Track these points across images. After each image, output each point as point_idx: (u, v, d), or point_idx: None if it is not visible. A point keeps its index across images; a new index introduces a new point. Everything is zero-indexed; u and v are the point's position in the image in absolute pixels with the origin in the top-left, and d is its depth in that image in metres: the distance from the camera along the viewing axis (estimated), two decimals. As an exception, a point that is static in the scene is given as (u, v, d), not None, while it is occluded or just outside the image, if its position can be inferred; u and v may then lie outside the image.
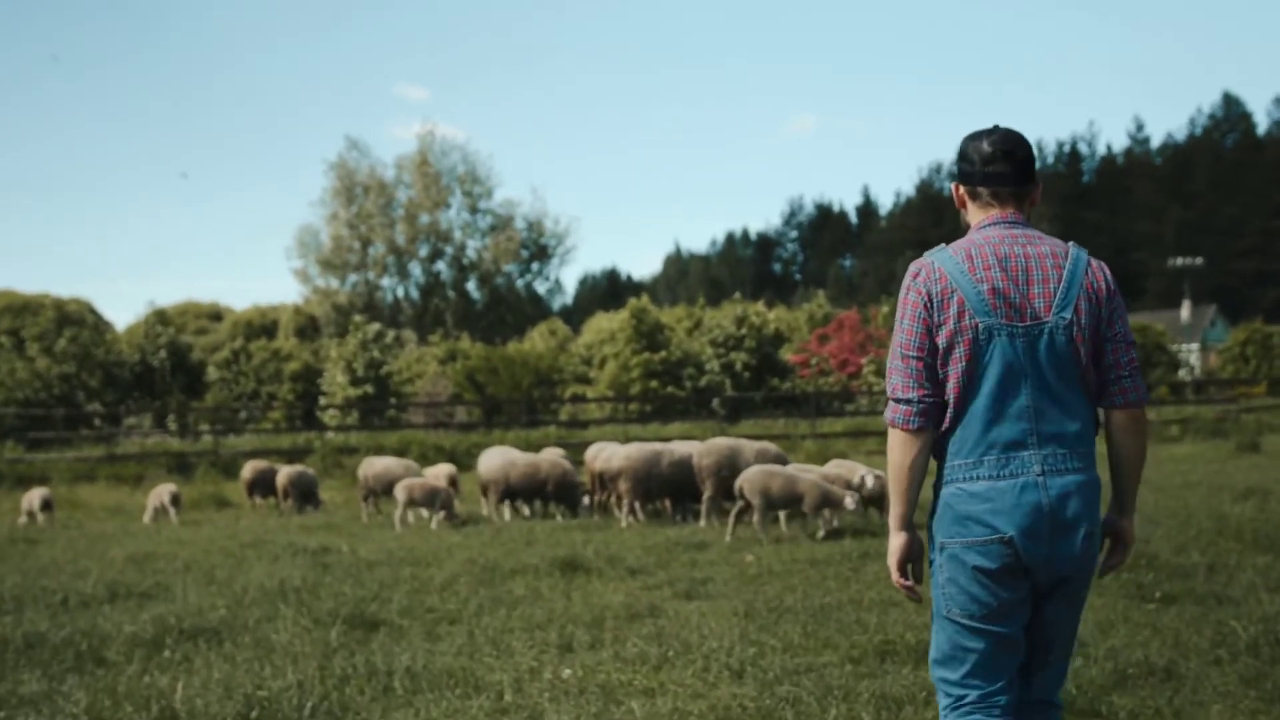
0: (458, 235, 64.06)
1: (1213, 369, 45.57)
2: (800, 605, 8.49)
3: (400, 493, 15.51)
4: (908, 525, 3.49)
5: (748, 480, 12.67)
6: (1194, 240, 79.28)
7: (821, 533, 12.55)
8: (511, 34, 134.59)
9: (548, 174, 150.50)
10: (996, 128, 3.55)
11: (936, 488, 3.50)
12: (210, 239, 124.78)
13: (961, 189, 3.61)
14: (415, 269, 64.08)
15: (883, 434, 29.69)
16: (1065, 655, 3.53)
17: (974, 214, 3.56)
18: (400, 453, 23.83)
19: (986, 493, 3.30)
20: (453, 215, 63.91)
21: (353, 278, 62.14)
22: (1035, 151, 3.64)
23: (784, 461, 14.30)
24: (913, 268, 3.49)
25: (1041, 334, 3.33)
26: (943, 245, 3.51)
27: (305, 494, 19.04)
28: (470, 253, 64.31)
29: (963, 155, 3.56)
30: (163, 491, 18.55)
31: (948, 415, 3.40)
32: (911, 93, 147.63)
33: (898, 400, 3.40)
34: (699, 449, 14.47)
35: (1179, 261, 67.37)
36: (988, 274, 3.34)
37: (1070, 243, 3.50)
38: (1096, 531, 3.37)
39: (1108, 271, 3.47)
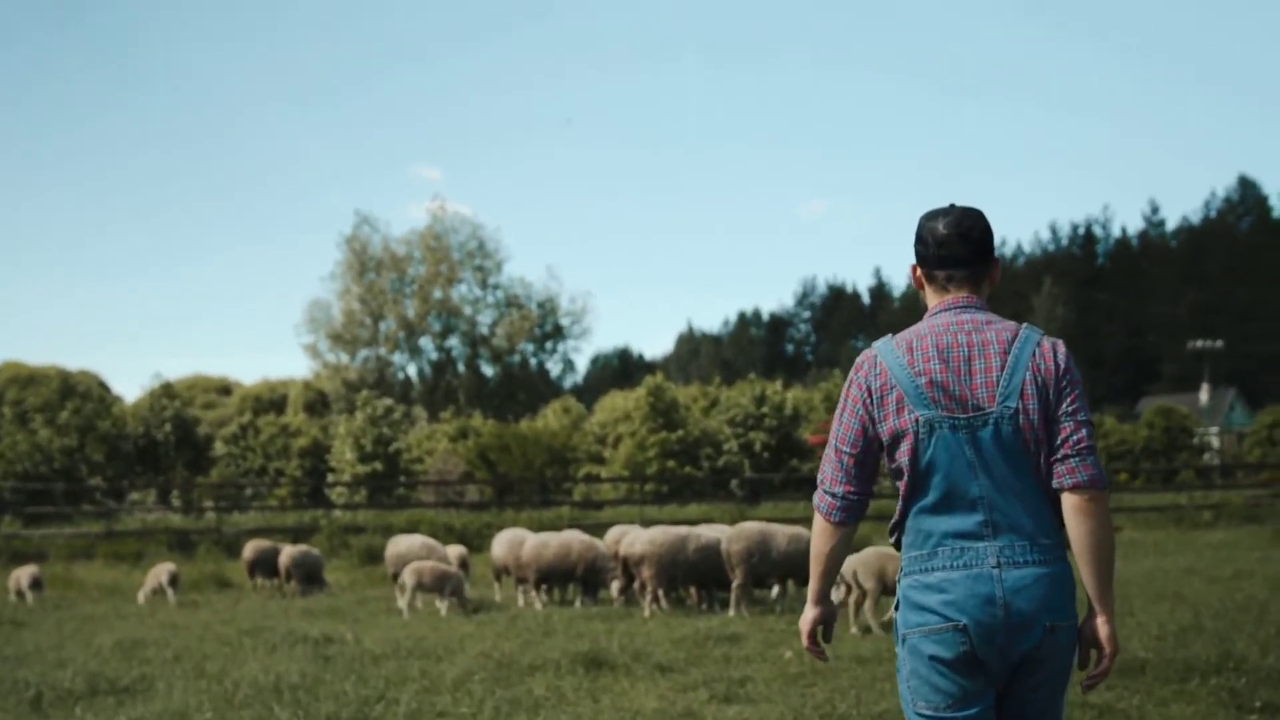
0: (469, 311, 63.56)
1: (1239, 453, 44.53)
2: (855, 713, 7.61)
3: (409, 576, 14.60)
4: (821, 600, 3.59)
5: (862, 563, 11.83)
6: (1210, 323, 78.46)
7: (858, 627, 11.65)
8: (525, 116, 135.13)
9: (560, 253, 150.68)
10: (952, 207, 3.52)
11: (899, 581, 3.48)
12: (221, 313, 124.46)
13: (919, 271, 3.58)
14: (427, 345, 63.53)
15: (905, 519, 29.05)
16: None
17: (930, 297, 3.54)
18: (408, 532, 22.90)
19: (941, 584, 3.28)
20: (464, 291, 63.51)
21: (364, 353, 61.54)
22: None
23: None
24: (857, 361, 3.48)
25: (986, 424, 3.28)
26: (889, 335, 3.48)
27: (309, 575, 18.18)
28: (482, 329, 63.77)
29: (919, 236, 3.53)
30: (161, 571, 17.73)
31: (900, 507, 3.42)
32: (924, 176, 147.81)
33: (826, 492, 3.45)
34: (728, 534, 13.62)
35: (1198, 344, 66.43)
36: (926, 366, 3.32)
37: (1024, 324, 3.43)
38: (1064, 625, 3.27)
39: (1061, 351, 3.37)
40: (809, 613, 3.62)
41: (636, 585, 14.04)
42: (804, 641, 3.63)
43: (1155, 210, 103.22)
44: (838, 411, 3.48)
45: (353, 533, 25.39)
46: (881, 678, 8.93)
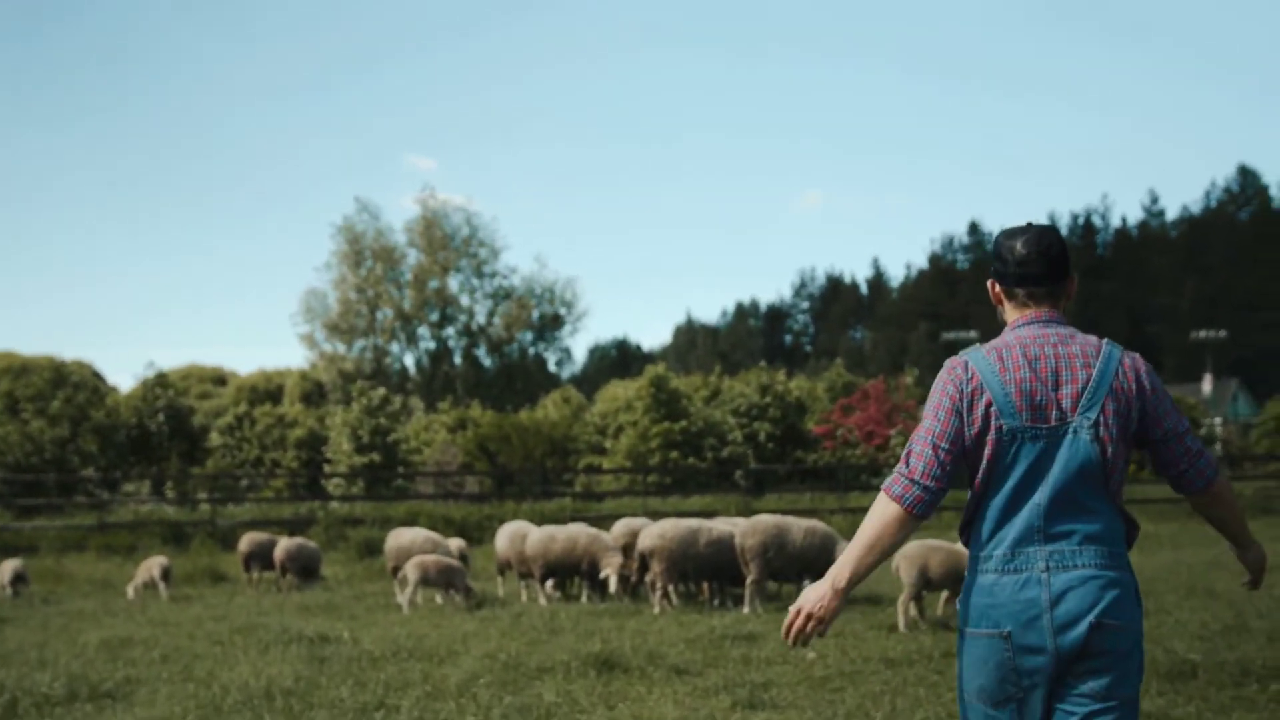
0: (465, 301, 62.91)
1: (1244, 444, 44.05)
2: (885, 718, 7.07)
3: (412, 571, 14.04)
4: (849, 591, 3.47)
5: (905, 557, 11.34)
6: (1210, 314, 78.06)
7: (905, 625, 11.11)
8: (521, 107, 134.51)
9: (557, 244, 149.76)
10: (1030, 226, 3.59)
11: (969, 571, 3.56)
12: (216, 304, 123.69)
13: (997, 287, 3.65)
14: (424, 334, 62.84)
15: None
16: None
17: (1010, 312, 3.61)
18: (407, 524, 22.33)
19: (992, 588, 3.38)
20: (460, 280, 62.80)
21: (360, 343, 60.80)
22: (1062, 236, 3.66)
23: (834, 540, 12.90)
24: (948, 363, 3.55)
25: (1066, 433, 3.37)
26: (978, 345, 3.54)
27: (306, 569, 17.64)
28: (479, 318, 63.11)
29: (997, 254, 3.61)
30: (153, 564, 17.17)
31: (969, 508, 3.51)
32: (922, 167, 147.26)
33: (914, 482, 3.43)
34: (742, 527, 13.09)
35: (1201, 334, 65.99)
36: (1017, 375, 3.40)
37: (1104, 340, 3.52)
38: (1114, 624, 3.31)
39: (1143, 367, 3.47)
40: (830, 601, 3.43)
41: (648, 580, 13.50)
42: (795, 623, 3.45)
43: (1155, 200, 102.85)
44: (932, 410, 3.50)
45: (350, 525, 24.88)
46: (914, 682, 8.39)
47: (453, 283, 62.28)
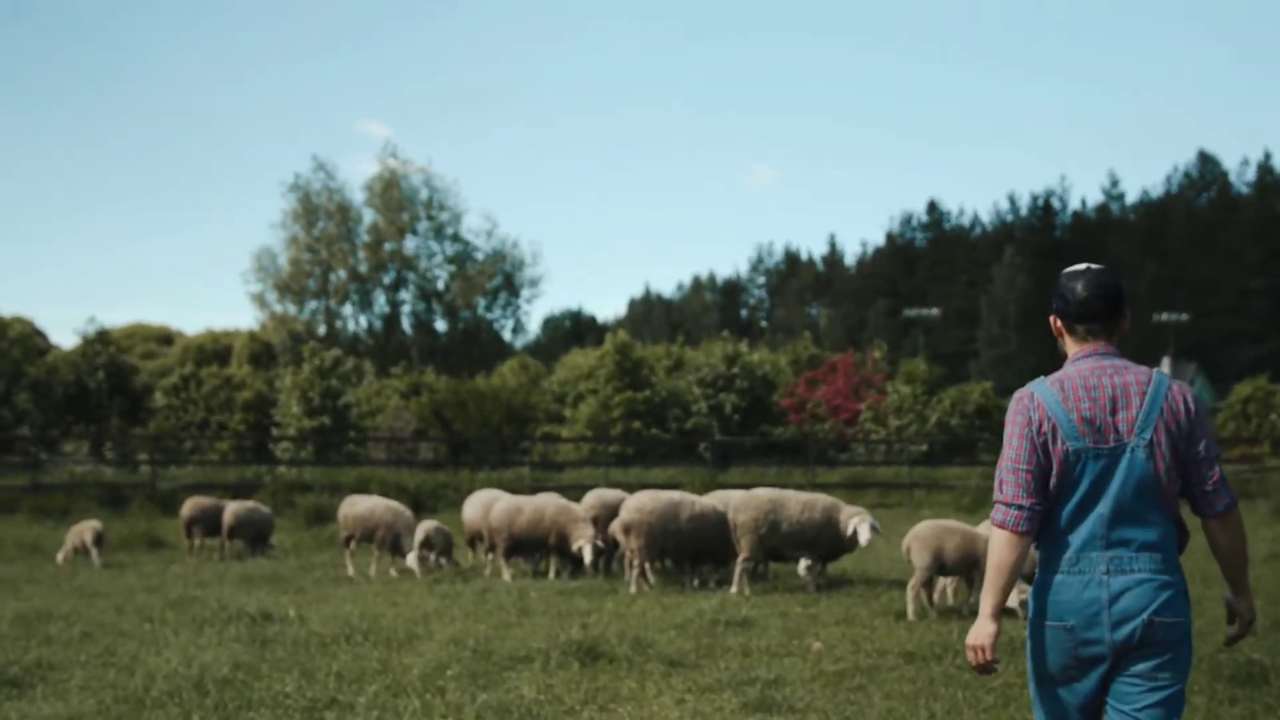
0: (423, 263, 61.33)
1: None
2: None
3: (419, 533, 13.92)
4: (999, 614, 3.83)
5: (918, 538, 10.35)
6: (1169, 297, 77.85)
7: (915, 612, 10.10)
8: (475, 76, 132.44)
9: (511, 216, 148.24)
10: (1089, 269, 3.95)
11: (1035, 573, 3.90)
12: (164, 262, 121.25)
13: (1059, 322, 4.00)
14: (379, 297, 61.27)
15: (884, 486, 27.86)
16: None
17: (1070, 346, 3.97)
18: (358, 491, 21.13)
19: (1059, 587, 3.75)
20: (418, 243, 61.25)
21: (312, 304, 59.17)
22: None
23: (837, 511, 11.84)
24: (1017, 395, 3.94)
25: (1124, 453, 3.73)
26: (1043, 378, 3.92)
27: (258, 535, 16.48)
28: (438, 283, 61.58)
29: (1059, 293, 3.97)
30: (84, 529, 15.97)
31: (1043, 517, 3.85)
32: (880, 144, 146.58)
33: (1010, 505, 3.79)
34: (735, 502, 12.04)
35: (1163, 317, 65.66)
36: (1078, 405, 3.78)
37: (1155, 369, 3.87)
38: (1168, 622, 3.64)
39: (1189, 395, 3.82)
40: (989, 627, 3.81)
41: (622, 557, 12.43)
42: (980, 659, 3.82)
43: (1115, 183, 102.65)
44: (1008, 438, 3.85)
45: (298, 490, 23.70)
46: (942, 681, 7.37)
47: (410, 245, 60.77)
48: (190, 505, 17.26)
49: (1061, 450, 3.75)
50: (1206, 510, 3.80)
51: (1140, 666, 3.67)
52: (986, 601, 3.82)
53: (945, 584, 11.12)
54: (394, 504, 14.86)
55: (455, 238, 61.48)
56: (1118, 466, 3.72)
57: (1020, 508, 3.77)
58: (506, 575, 13.10)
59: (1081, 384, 3.81)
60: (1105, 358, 3.87)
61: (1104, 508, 3.72)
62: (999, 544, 3.81)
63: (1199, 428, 3.77)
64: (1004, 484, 3.83)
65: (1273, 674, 7.15)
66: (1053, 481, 3.77)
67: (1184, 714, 6.17)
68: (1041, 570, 3.83)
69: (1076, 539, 3.74)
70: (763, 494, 12.02)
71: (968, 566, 10.23)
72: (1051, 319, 4.03)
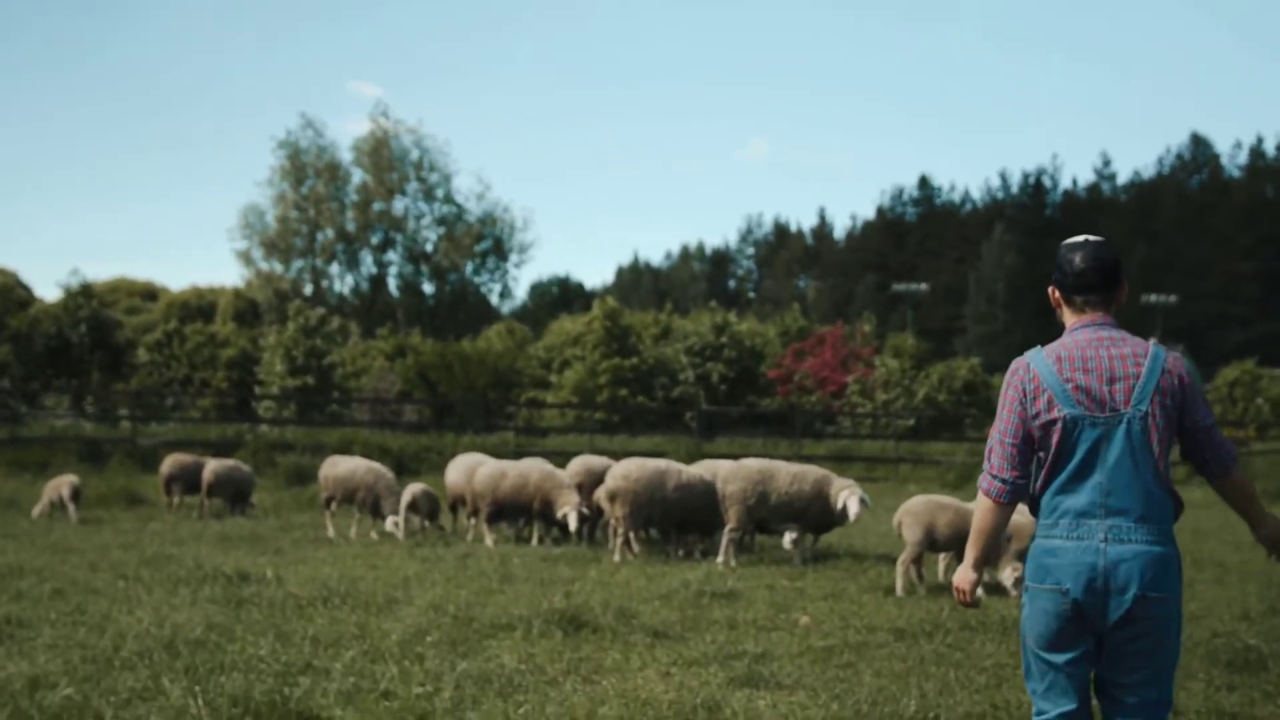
0: (412, 225, 60.82)
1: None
2: (918, 711, 5.87)
3: (406, 495, 13.82)
4: (980, 567, 4.15)
5: (909, 512, 10.19)
6: (1158, 279, 77.81)
7: (903, 588, 9.92)
8: (469, 40, 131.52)
9: (502, 182, 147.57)
10: (1087, 241, 4.05)
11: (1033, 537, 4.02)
12: (150, 217, 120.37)
13: (1057, 293, 4.09)
14: (366, 258, 60.78)
15: (870, 460, 27.70)
16: (1150, 697, 3.86)
17: (1068, 316, 4.06)
18: (341, 452, 20.91)
19: (1057, 551, 3.85)
20: (407, 204, 60.73)
21: (298, 263, 58.67)
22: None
23: (828, 483, 11.66)
24: (1013, 366, 4.03)
25: (1120, 423, 3.81)
26: (1039, 348, 4.01)
27: (239, 493, 16.28)
28: (427, 245, 61.08)
29: (1058, 264, 4.06)
30: (62, 484, 15.79)
31: (1039, 483, 3.97)
32: (873, 119, 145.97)
33: (994, 477, 3.99)
34: (723, 472, 11.86)
35: (1152, 298, 65.61)
36: (1074, 374, 3.86)
37: (1151, 341, 3.95)
38: (1158, 597, 3.76)
39: (1182, 365, 3.91)
40: (970, 575, 4.14)
41: (606, 524, 12.26)
42: (961, 599, 4.17)
43: (1107, 163, 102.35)
44: (999, 410, 3.99)
45: (280, 450, 23.46)
46: (930, 658, 7.21)
47: (399, 205, 60.30)
48: (170, 462, 17.06)
49: (1060, 416, 3.83)
50: (1218, 471, 3.93)
51: (1132, 634, 3.78)
52: (969, 554, 4.10)
53: (941, 560, 10.94)
54: (375, 465, 14.64)
55: (446, 199, 61.02)
56: (1114, 436, 3.80)
57: (1004, 481, 3.95)
58: (489, 541, 12.92)
59: (1079, 354, 3.89)
60: (1103, 328, 3.94)
61: (1101, 477, 3.80)
62: (982, 510, 4.03)
63: (1194, 398, 3.88)
64: (992, 453, 4.00)
65: (1271, 660, 6.99)
66: (1052, 448, 3.86)
67: (1182, 700, 6.04)
68: (1041, 536, 3.92)
69: (1075, 506, 3.82)
70: (752, 464, 11.84)
71: (959, 542, 10.05)
72: (1050, 290, 4.11)
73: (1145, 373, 3.82)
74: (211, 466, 16.46)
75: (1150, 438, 3.80)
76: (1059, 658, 3.87)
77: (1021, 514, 8.94)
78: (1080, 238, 4.07)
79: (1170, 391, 3.83)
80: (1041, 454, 3.93)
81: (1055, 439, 3.85)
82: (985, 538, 4.04)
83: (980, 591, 4.49)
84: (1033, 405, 3.88)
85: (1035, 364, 3.93)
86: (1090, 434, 3.81)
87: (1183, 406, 3.87)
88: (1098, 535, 3.77)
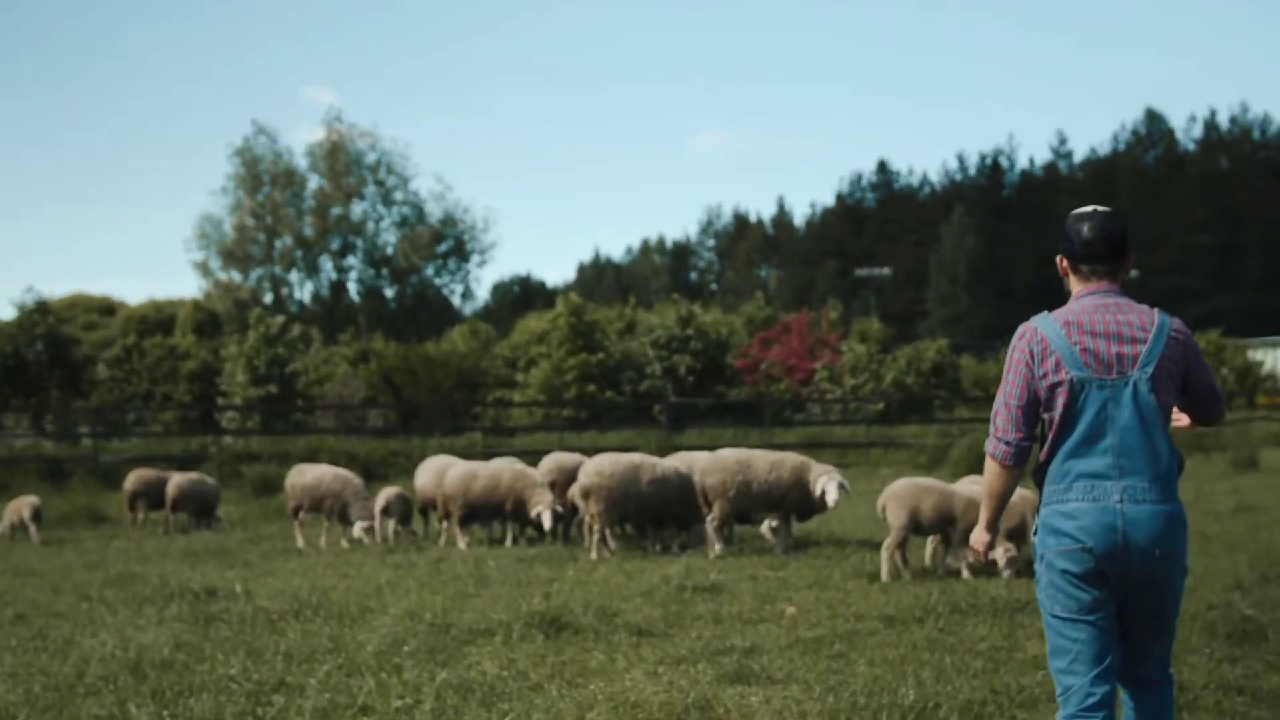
0: (371, 229, 60.28)
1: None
2: (917, 701, 5.68)
3: (380, 499, 13.71)
4: (993, 527, 4.29)
5: (894, 495, 9.97)
6: (1118, 255, 78.27)
7: (889, 574, 9.74)
8: (422, 45, 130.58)
9: (456, 183, 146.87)
10: (1095, 211, 4.13)
11: (1038, 512, 4.12)
12: (105, 231, 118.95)
13: (1065, 262, 4.17)
14: (325, 264, 60.18)
15: (841, 445, 27.56)
16: (1163, 645, 4.06)
17: (1075, 285, 4.13)
18: (307, 460, 20.58)
19: (1074, 512, 3.92)
20: (365, 208, 60.16)
21: (257, 272, 58.03)
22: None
23: (806, 470, 11.47)
24: (1020, 330, 4.10)
25: (1127, 385, 3.90)
26: (1046, 313, 4.08)
27: (204, 507, 16.01)
28: (387, 249, 60.53)
29: (1066, 235, 4.15)
30: (22, 505, 15.55)
31: (1046, 449, 4.06)
32: (829, 105, 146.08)
33: (1000, 440, 4.08)
34: (701, 464, 11.66)
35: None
36: (1081, 337, 3.95)
37: (1155, 309, 4.05)
38: (1172, 553, 3.90)
39: (1185, 330, 4.05)
40: (983, 535, 4.28)
41: (581, 522, 12.03)
42: (977, 550, 4.32)
43: (1063, 141, 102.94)
44: (1005, 375, 4.07)
45: (245, 461, 23.12)
46: (923, 644, 7.03)
47: (356, 210, 59.74)
48: (134, 478, 16.81)
49: (1067, 379, 3.91)
50: (1207, 421, 4.25)
51: (1149, 591, 3.90)
52: (983, 515, 4.25)
53: (931, 543, 10.75)
54: (343, 472, 14.36)
55: (404, 202, 60.52)
56: (1122, 398, 3.89)
57: (1008, 443, 4.04)
58: (462, 544, 12.67)
59: (1086, 319, 3.97)
60: (1108, 295, 4.03)
61: (1113, 439, 3.89)
62: (990, 473, 4.15)
63: (1197, 360, 4.04)
64: (997, 416, 4.08)
65: (1270, 630, 6.86)
66: (1059, 411, 3.94)
67: (1185, 674, 5.88)
68: (1054, 502, 3.97)
69: (1089, 469, 3.90)
70: (729, 455, 11.64)
71: (944, 525, 9.89)
72: (1058, 259, 4.18)
73: (1152, 338, 3.92)
74: (176, 481, 16.19)
75: (1157, 399, 3.90)
76: (1084, 619, 3.90)
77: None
78: (1089, 208, 4.15)
79: (1175, 356, 3.94)
80: (1047, 416, 3.99)
81: (1062, 401, 3.93)
82: (996, 500, 4.15)
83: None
84: (1040, 366, 3.96)
85: (1043, 328, 4.00)
86: (1098, 396, 3.90)
87: (1187, 367, 4.00)
88: (1113, 496, 3.86)
